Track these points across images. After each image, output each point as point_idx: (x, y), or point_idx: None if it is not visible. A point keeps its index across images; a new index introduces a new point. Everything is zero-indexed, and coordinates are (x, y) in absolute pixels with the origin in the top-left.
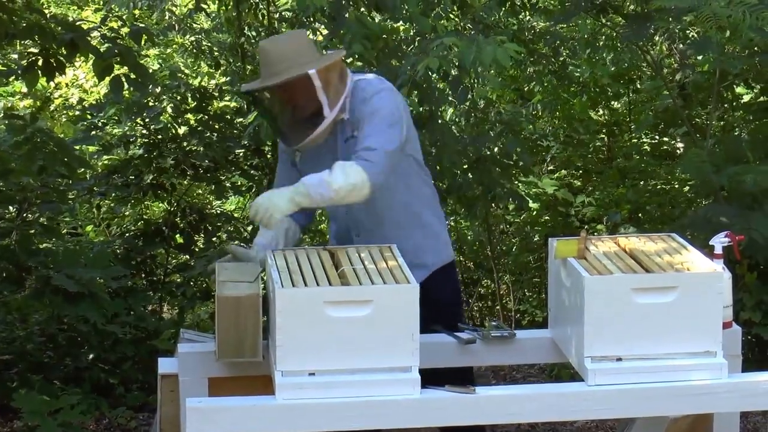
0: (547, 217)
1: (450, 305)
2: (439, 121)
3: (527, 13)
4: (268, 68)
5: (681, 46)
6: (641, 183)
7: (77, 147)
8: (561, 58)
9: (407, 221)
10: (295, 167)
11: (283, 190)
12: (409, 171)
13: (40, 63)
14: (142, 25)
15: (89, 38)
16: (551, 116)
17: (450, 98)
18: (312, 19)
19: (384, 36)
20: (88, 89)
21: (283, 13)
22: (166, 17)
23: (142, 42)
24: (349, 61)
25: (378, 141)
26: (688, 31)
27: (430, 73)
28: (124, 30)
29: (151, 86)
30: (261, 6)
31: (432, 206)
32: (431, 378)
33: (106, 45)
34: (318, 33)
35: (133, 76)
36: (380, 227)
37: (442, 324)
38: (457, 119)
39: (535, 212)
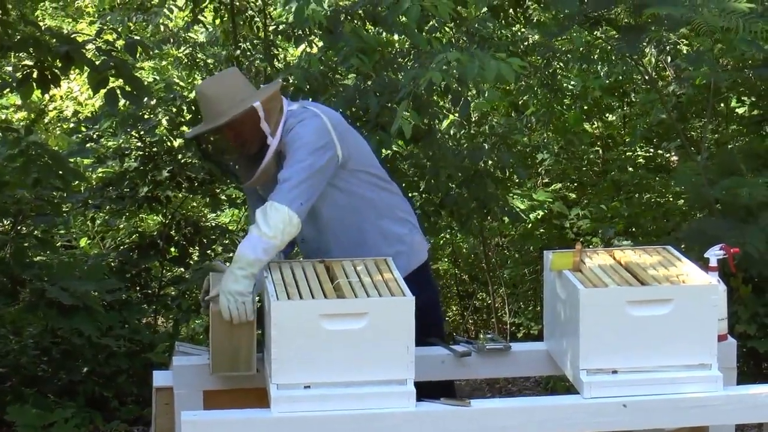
0: (542, 230)
1: (426, 308)
2: (437, 135)
3: (521, 26)
4: (210, 109)
5: (673, 59)
6: (636, 196)
7: (72, 159)
8: (551, 70)
9: (367, 236)
10: (258, 195)
11: (227, 273)
12: (359, 186)
13: (35, 75)
14: (137, 37)
15: (84, 51)
16: (545, 129)
17: (448, 112)
18: (308, 31)
19: (380, 48)
20: (82, 101)
21: (278, 26)
22: (161, 30)
23: (138, 54)
24: (346, 73)
25: (292, 171)
26: (681, 45)
27: (432, 87)
28: (120, 43)
29: (146, 99)
30: (257, 19)
31: (392, 212)
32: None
33: (102, 58)
34: (313, 45)
35: (128, 88)
36: (342, 250)
37: (420, 326)
38: (452, 132)
39: (530, 225)
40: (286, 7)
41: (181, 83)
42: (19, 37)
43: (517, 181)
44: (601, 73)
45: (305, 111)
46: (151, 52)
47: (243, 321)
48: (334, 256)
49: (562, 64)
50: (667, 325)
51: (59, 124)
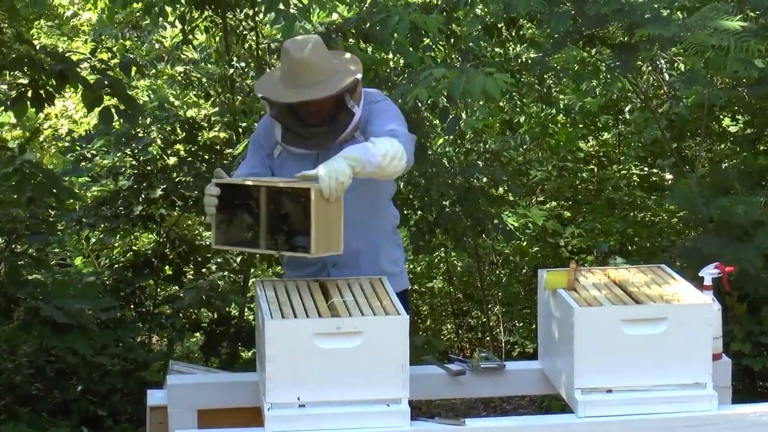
0: (536, 248)
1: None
2: (429, 153)
3: (514, 44)
4: (306, 77)
5: (668, 77)
6: (631, 214)
7: (66, 178)
8: (546, 84)
9: (377, 248)
10: (268, 159)
11: (335, 158)
12: (386, 192)
13: (29, 94)
14: (132, 56)
15: (79, 69)
16: (539, 146)
17: (441, 131)
18: None
19: (374, 67)
20: (77, 120)
21: (271, 44)
22: (156, 47)
23: (132, 73)
24: None
25: (400, 128)
26: (678, 63)
27: (419, 104)
28: (114, 61)
29: (140, 117)
30: (249, 37)
31: (396, 232)
32: None
33: (96, 76)
34: None
35: (122, 107)
36: (356, 256)
37: None
38: (446, 150)
39: (525, 243)
40: (275, 26)
41: (176, 102)
42: (13, 55)
43: (511, 198)
44: (597, 91)
45: (382, 93)
46: (145, 71)
47: (338, 198)
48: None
49: (554, 81)
50: (661, 344)
51: (54, 143)
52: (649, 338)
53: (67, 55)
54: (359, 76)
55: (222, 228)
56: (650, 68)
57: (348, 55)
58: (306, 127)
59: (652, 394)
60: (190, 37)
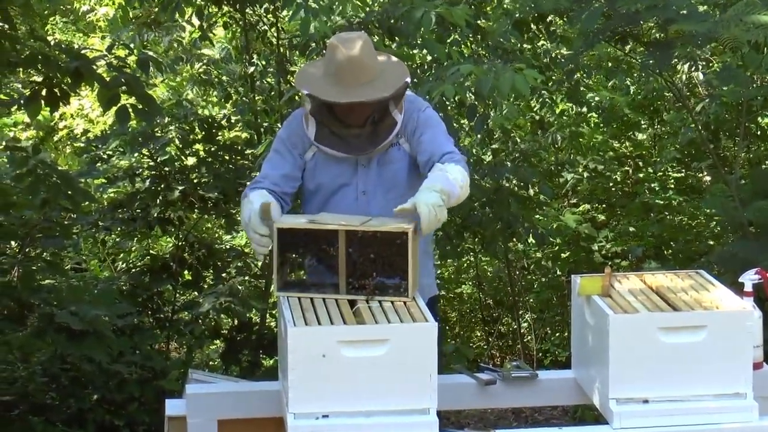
0: (568, 253)
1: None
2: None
3: (544, 40)
4: (356, 75)
5: (703, 76)
6: (667, 217)
7: (81, 180)
8: (574, 80)
9: (423, 260)
10: (298, 160)
11: (427, 191)
12: None
13: (43, 93)
14: (150, 53)
15: (95, 66)
16: (570, 146)
17: (470, 130)
18: (322, 44)
19: None
20: (94, 119)
21: (291, 39)
22: (175, 47)
23: (150, 71)
24: None
25: (456, 148)
26: (713, 62)
27: (445, 101)
28: (132, 58)
29: (158, 117)
30: (270, 33)
31: (431, 240)
32: None
33: (113, 74)
34: None
35: (140, 106)
36: None
37: None
38: (474, 149)
39: (557, 247)
40: (291, 21)
41: (200, 101)
42: (27, 52)
43: (543, 200)
44: (631, 89)
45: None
46: (164, 69)
47: (429, 230)
48: None
49: (584, 78)
50: (700, 353)
51: (69, 143)
52: (687, 347)
53: (82, 51)
54: (408, 79)
55: (283, 271)
56: (686, 66)
57: (393, 57)
58: (344, 128)
59: (689, 404)
60: (209, 33)
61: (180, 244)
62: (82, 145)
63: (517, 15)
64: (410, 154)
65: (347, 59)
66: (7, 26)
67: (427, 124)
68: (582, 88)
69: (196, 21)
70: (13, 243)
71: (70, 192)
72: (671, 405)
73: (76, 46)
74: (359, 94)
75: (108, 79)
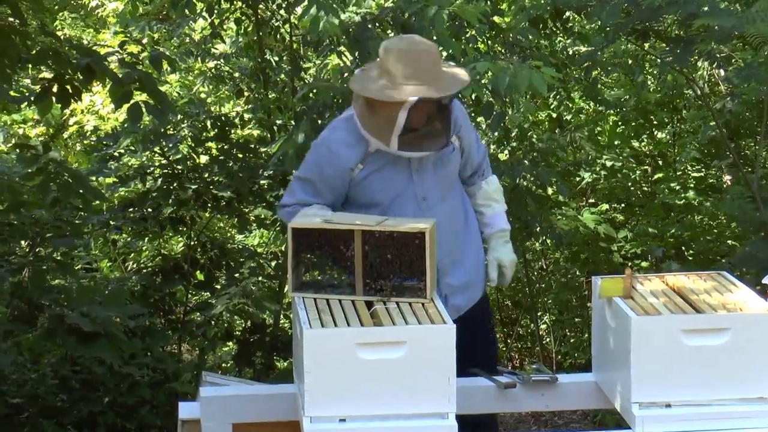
0: (587, 253)
1: (493, 328)
2: None
3: (562, 36)
4: (435, 69)
5: (723, 72)
6: (687, 217)
7: (93, 178)
8: (591, 78)
9: (473, 236)
10: (341, 187)
11: (505, 247)
12: (466, 197)
13: (54, 89)
14: (162, 49)
15: (107, 63)
16: (588, 143)
17: (484, 126)
18: (336, 40)
19: None
20: (104, 116)
21: (305, 35)
22: (186, 41)
23: (164, 68)
24: None
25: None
26: (735, 59)
27: (461, 98)
28: (144, 55)
29: (171, 114)
30: (283, 29)
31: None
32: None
33: (125, 70)
34: (343, 56)
35: (152, 103)
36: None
37: (486, 338)
38: (490, 147)
39: (575, 248)
40: (302, 19)
41: (211, 97)
42: (38, 48)
43: (561, 200)
44: (650, 86)
45: None
46: (177, 65)
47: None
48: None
49: (601, 75)
50: (723, 356)
51: (79, 140)
52: (710, 349)
53: (94, 47)
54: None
55: (298, 272)
56: (707, 63)
57: None
58: (412, 131)
59: (713, 409)
60: (221, 30)
61: (192, 244)
62: (92, 142)
63: (533, 12)
64: (459, 150)
65: (421, 52)
66: (17, 22)
67: (464, 123)
68: (600, 86)
69: (207, 16)
70: (23, 243)
71: (81, 191)
72: (694, 409)
73: (85, 42)
74: (450, 84)
75: (120, 75)
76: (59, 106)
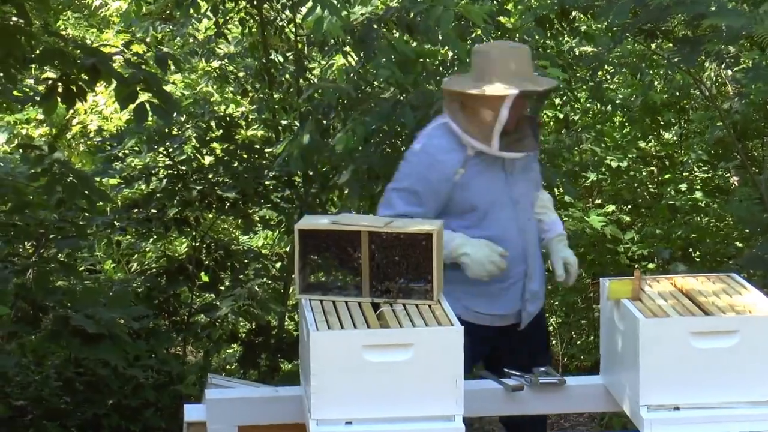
0: (592, 255)
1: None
2: None
3: (567, 36)
4: (530, 66)
5: (731, 72)
6: (695, 218)
7: (97, 179)
8: (596, 79)
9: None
10: (443, 194)
11: (566, 248)
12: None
13: (59, 89)
14: (167, 49)
15: (111, 62)
16: (594, 143)
17: None
18: (341, 41)
19: (421, 60)
20: (108, 116)
21: (310, 36)
22: (190, 41)
23: (169, 68)
24: (377, 83)
25: None
26: (743, 59)
27: None
28: (149, 55)
29: (176, 114)
30: (287, 29)
31: None
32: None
33: (130, 70)
34: (349, 56)
35: (157, 102)
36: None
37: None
38: None
39: (582, 249)
40: (305, 20)
41: (216, 96)
42: (42, 48)
43: (567, 200)
44: (657, 86)
45: None
46: (182, 66)
47: None
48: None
49: (608, 75)
50: (733, 358)
51: (82, 140)
52: (719, 352)
53: (99, 47)
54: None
55: (304, 273)
56: (714, 63)
57: None
58: (508, 133)
59: (722, 411)
60: (224, 29)
61: (197, 245)
62: (96, 142)
63: (539, 12)
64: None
65: (517, 51)
66: (22, 22)
67: None
68: (606, 86)
69: (211, 16)
70: (27, 244)
71: (86, 192)
72: (703, 412)
73: (89, 42)
74: (545, 81)
75: (126, 75)
76: (64, 106)
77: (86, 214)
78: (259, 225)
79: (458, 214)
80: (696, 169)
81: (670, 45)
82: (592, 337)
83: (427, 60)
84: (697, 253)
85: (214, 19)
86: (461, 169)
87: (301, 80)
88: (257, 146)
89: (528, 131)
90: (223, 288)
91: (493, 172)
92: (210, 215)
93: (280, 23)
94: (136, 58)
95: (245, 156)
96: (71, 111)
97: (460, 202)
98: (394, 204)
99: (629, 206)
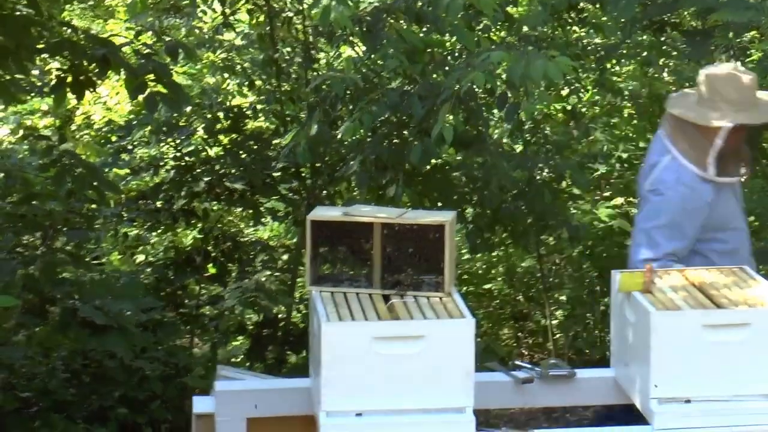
0: (601, 248)
1: None
2: (488, 142)
3: (576, 27)
4: (748, 99)
5: (740, 64)
6: None
7: (106, 170)
8: (601, 68)
9: None
10: (704, 217)
11: None
12: None
13: (68, 80)
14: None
15: (121, 53)
16: (602, 133)
17: (501, 120)
18: (348, 31)
19: (429, 50)
20: (111, 107)
21: (318, 27)
22: (196, 32)
23: (179, 58)
24: (395, 77)
25: None
26: (752, 51)
27: (476, 89)
28: (158, 45)
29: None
30: (295, 20)
31: None
32: None
33: (139, 61)
34: (356, 46)
35: (166, 92)
36: None
37: None
38: (505, 140)
39: (590, 242)
40: (314, 11)
41: (225, 86)
42: (54, 39)
43: (577, 193)
44: (665, 78)
45: None
46: (193, 57)
47: None
48: None
49: (615, 66)
50: (744, 351)
51: (87, 131)
52: (730, 345)
53: (109, 38)
54: None
55: (315, 265)
56: (723, 55)
57: None
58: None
59: (733, 405)
60: (231, 19)
61: (204, 237)
62: (102, 133)
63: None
64: None
65: (752, 81)
66: (33, 12)
67: None
68: (614, 77)
69: (218, 6)
70: (34, 235)
71: (95, 183)
72: (714, 405)
73: (93, 32)
74: (766, 111)
75: (135, 66)
76: (74, 97)
77: (94, 205)
78: (266, 216)
79: (703, 241)
80: None
81: (679, 37)
82: (597, 331)
83: (435, 50)
84: None
85: (222, 9)
86: (713, 196)
87: (308, 71)
88: (265, 137)
89: (747, 154)
90: (230, 280)
91: (728, 194)
92: (217, 207)
93: (288, 14)
94: (145, 48)
95: (253, 147)
96: (75, 102)
97: (707, 228)
98: (657, 243)
99: (638, 199)
